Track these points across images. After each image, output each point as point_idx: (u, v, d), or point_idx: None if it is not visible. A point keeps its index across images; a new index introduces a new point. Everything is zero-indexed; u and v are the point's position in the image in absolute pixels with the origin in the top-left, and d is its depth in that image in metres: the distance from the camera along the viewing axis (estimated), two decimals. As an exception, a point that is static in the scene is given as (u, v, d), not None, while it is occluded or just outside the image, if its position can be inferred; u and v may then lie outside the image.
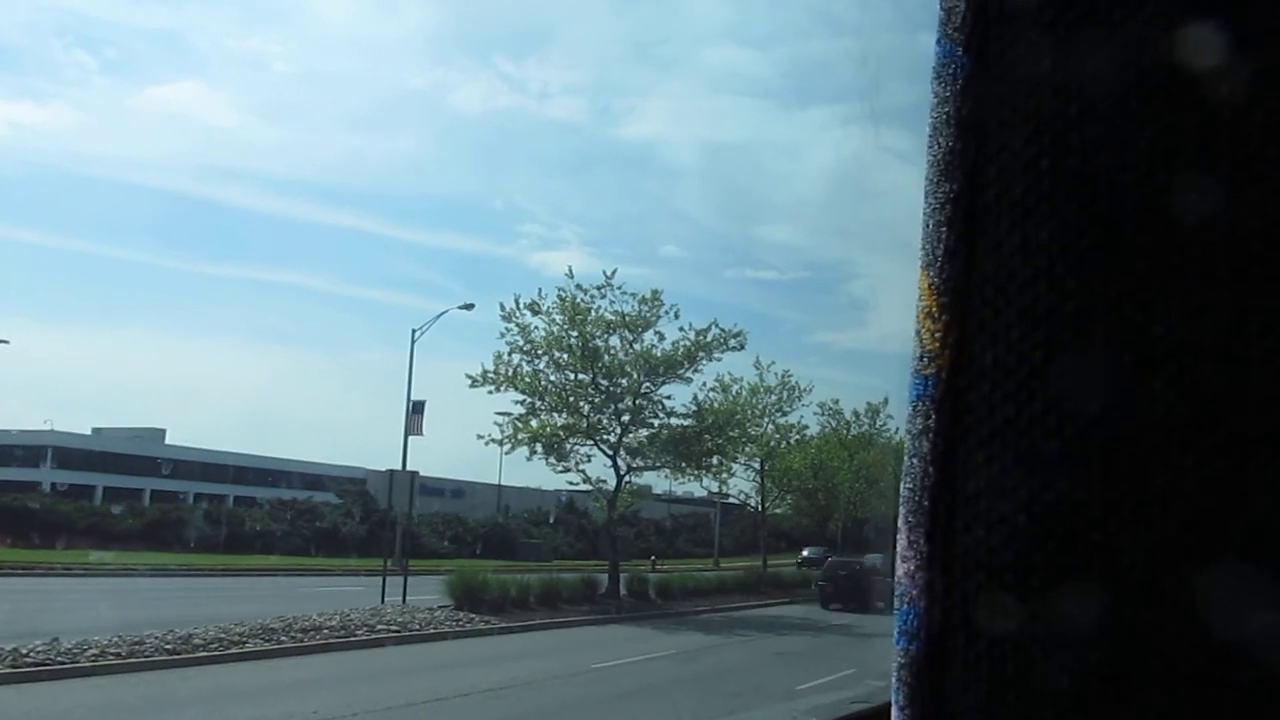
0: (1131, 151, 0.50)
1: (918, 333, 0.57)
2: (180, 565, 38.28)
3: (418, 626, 23.33)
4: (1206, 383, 0.48)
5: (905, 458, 0.57)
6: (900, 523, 0.57)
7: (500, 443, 34.05)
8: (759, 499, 49.99)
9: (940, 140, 0.56)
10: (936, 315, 0.55)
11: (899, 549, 0.57)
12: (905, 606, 0.56)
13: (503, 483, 70.92)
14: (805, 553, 61.85)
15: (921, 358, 0.56)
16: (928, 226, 0.57)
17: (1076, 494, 0.49)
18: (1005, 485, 0.51)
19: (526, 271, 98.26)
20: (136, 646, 17.23)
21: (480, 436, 34.28)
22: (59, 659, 15.94)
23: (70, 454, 62.91)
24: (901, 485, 0.57)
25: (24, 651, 15.71)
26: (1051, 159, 0.52)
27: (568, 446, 33.93)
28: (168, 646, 17.64)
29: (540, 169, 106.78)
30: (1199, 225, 0.49)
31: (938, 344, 0.55)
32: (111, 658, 16.52)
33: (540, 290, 34.54)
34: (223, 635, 19.02)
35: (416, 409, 36.97)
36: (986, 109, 0.54)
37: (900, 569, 0.57)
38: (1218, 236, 0.48)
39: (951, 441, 0.54)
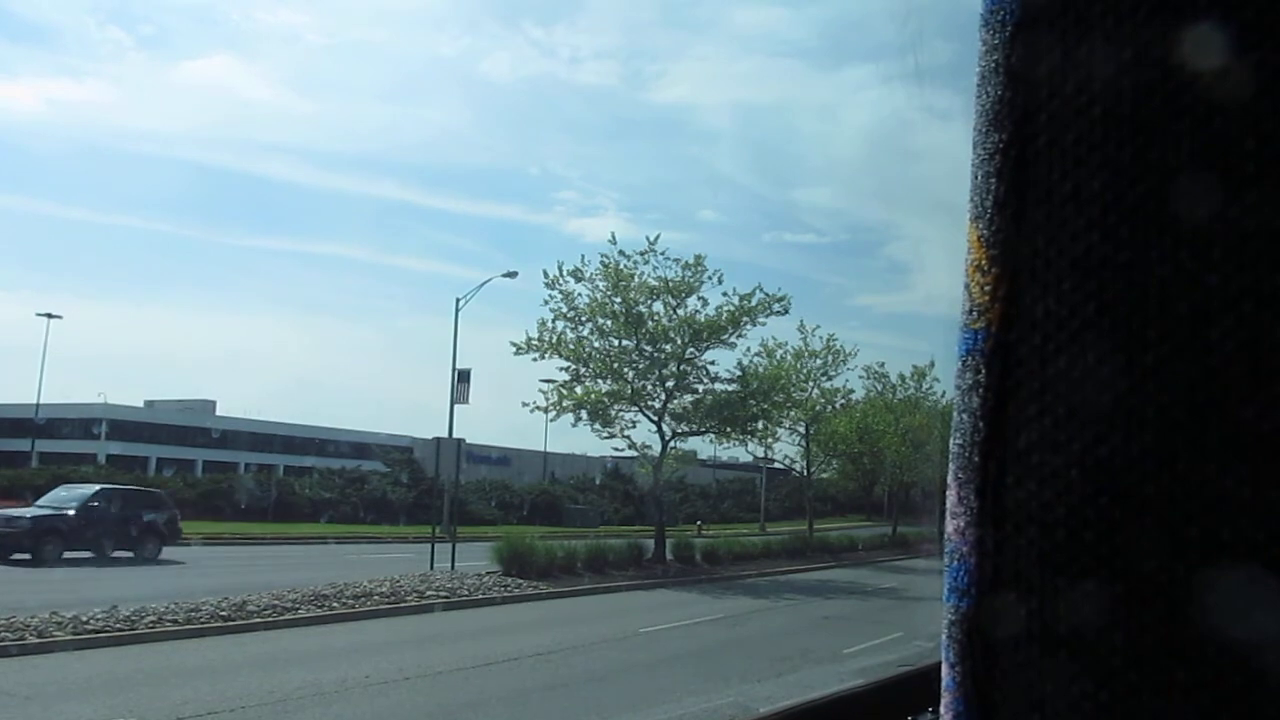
0: (1185, 95, 0.48)
1: (966, 286, 0.56)
2: (232, 533, 38.88)
3: (466, 592, 23.54)
4: (1265, 332, 0.46)
5: (955, 413, 0.56)
6: (950, 479, 0.56)
7: (545, 409, 34.22)
8: (804, 464, 49.88)
9: (989, 89, 0.55)
10: (986, 268, 0.54)
11: (949, 505, 0.56)
12: (955, 563, 0.55)
13: (548, 449, 71.36)
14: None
15: (971, 311, 0.55)
16: (976, 178, 0.56)
17: (1131, 447, 0.48)
18: (1058, 439, 0.50)
19: (564, 238, 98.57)
20: (193, 613, 17.55)
21: (525, 404, 34.48)
22: (118, 625, 16.27)
23: (124, 426, 63.92)
24: (951, 441, 0.56)
25: (84, 619, 16.05)
26: (1104, 105, 0.50)
27: (613, 413, 33.97)
28: (223, 613, 17.96)
29: (574, 135, 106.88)
30: (1255, 169, 0.47)
31: (987, 297, 0.54)
32: (169, 624, 16.83)
33: (583, 257, 34.48)
34: (276, 602, 19.34)
35: (462, 377, 37.20)
36: (1036, 56, 0.52)
37: (950, 525, 0.56)
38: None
39: (1002, 395, 0.53)
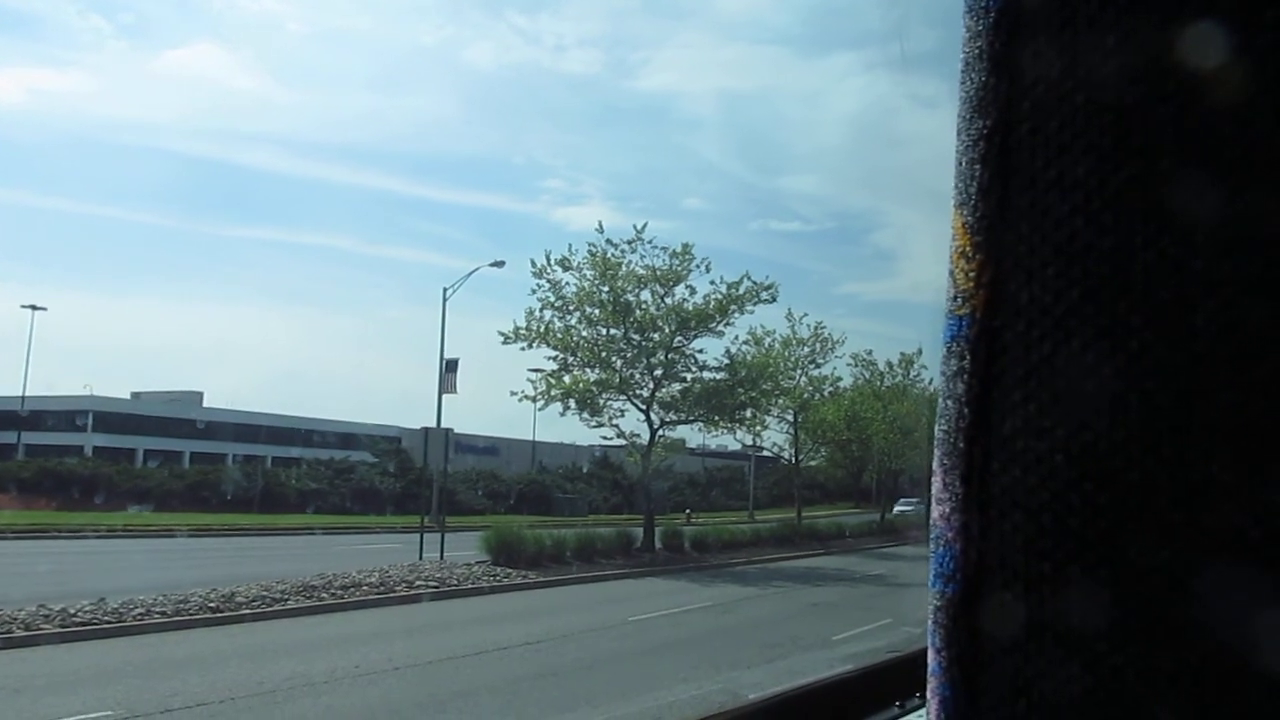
0: (1168, 81, 0.48)
1: (951, 273, 0.56)
2: (221, 525, 38.77)
3: (455, 582, 23.54)
4: (1249, 317, 0.46)
5: (940, 399, 0.56)
6: (935, 465, 0.56)
7: (534, 399, 34.14)
8: (793, 451, 49.95)
9: (973, 76, 0.55)
10: (970, 254, 0.54)
11: (934, 492, 0.56)
12: (941, 549, 0.55)
13: (537, 438, 71.34)
14: None
15: (955, 298, 0.55)
16: (960, 164, 0.55)
17: (1115, 433, 0.48)
18: (1042, 425, 0.50)
19: (549, 227, 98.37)
20: (181, 605, 17.52)
21: (514, 393, 34.42)
22: (106, 618, 16.22)
23: (110, 418, 63.70)
24: (936, 427, 0.56)
25: (72, 611, 16.01)
26: (1088, 92, 0.50)
27: (601, 402, 33.96)
28: (211, 605, 17.93)
29: (559, 124, 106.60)
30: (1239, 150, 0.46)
31: (972, 283, 0.54)
32: (157, 616, 16.79)
33: (571, 246, 34.45)
34: (265, 593, 19.30)
35: (450, 367, 37.13)
36: (1020, 42, 0.52)
37: (935, 511, 0.56)
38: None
39: (987, 382, 0.53)
